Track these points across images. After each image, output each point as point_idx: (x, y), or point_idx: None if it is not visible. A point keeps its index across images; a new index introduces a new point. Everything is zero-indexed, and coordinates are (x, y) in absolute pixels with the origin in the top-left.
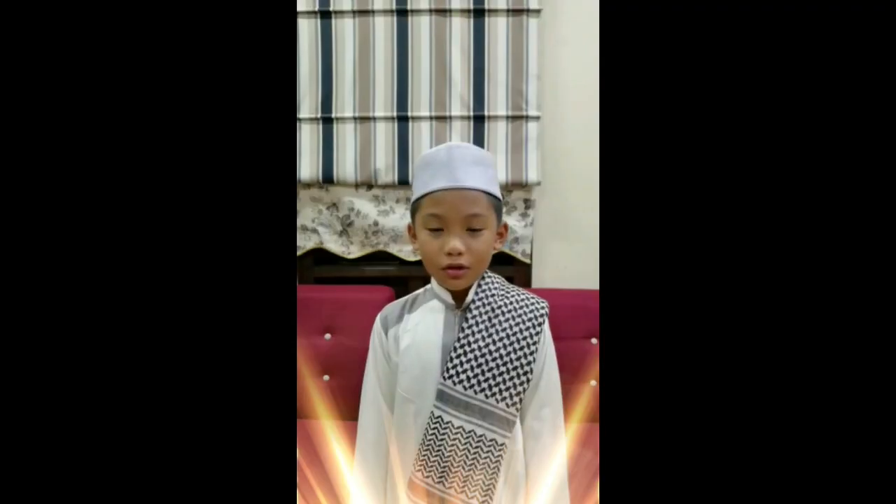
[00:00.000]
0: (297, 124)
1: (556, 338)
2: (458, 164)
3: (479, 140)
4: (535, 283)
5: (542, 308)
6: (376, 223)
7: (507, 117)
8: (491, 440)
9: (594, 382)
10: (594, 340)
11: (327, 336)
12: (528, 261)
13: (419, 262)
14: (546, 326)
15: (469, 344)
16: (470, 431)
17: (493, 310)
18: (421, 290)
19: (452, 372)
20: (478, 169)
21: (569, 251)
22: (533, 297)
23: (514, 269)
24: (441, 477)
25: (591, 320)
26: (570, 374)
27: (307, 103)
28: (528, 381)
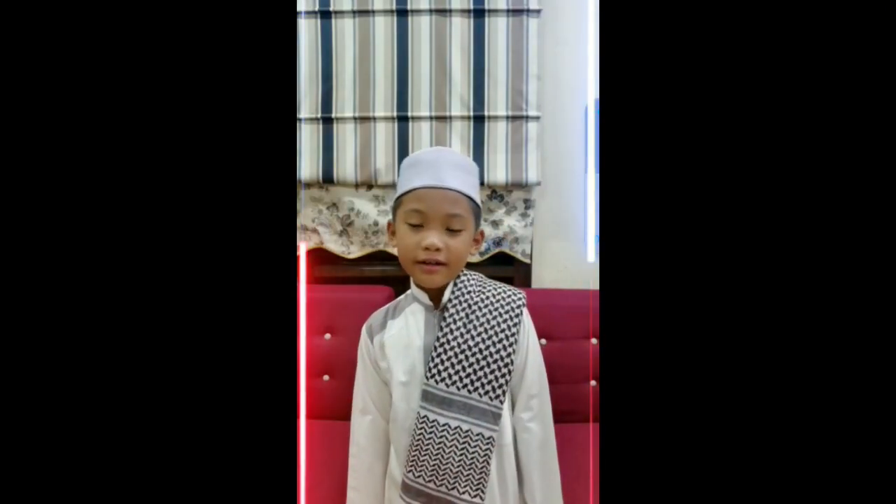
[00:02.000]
0: (297, 124)
1: (556, 338)
2: (443, 165)
3: (479, 140)
4: (535, 283)
5: (519, 299)
6: (376, 223)
7: (507, 117)
8: (478, 434)
9: (594, 382)
10: (594, 340)
11: (327, 336)
12: (528, 261)
13: None
14: (526, 318)
15: (448, 342)
16: (456, 427)
17: (469, 306)
18: (402, 296)
19: (434, 371)
20: (461, 173)
21: (569, 251)
22: (510, 290)
23: (514, 269)
24: (432, 475)
25: (591, 320)
26: (570, 374)
27: (307, 103)
28: (510, 372)
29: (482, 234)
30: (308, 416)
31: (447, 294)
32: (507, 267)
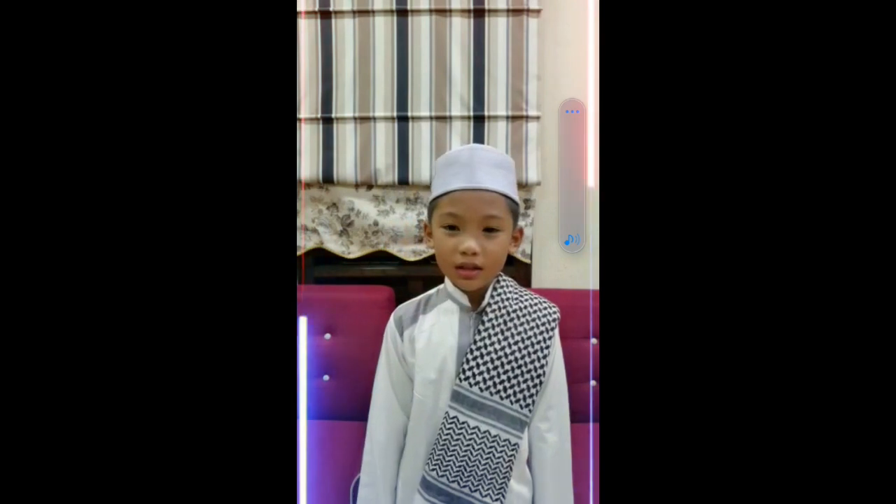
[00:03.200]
0: (297, 124)
1: None
2: (479, 165)
3: (478, 140)
4: (535, 283)
5: (555, 313)
6: (376, 223)
7: (507, 117)
8: (505, 440)
9: (594, 382)
10: (594, 340)
11: (327, 336)
12: (528, 261)
13: (419, 262)
14: (556, 331)
15: (486, 346)
16: (485, 432)
17: (508, 313)
18: (434, 291)
19: (469, 374)
20: (498, 172)
21: (569, 251)
22: (545, 302)
23: (514, 269)
24: (456, 476)
25: (591, 320)
26: (569, 374)
27: (307, 103)
28: (541, 383)
29: (521, 231)
30: (308, 416)
31: (486, 298)
32: (507, 267)
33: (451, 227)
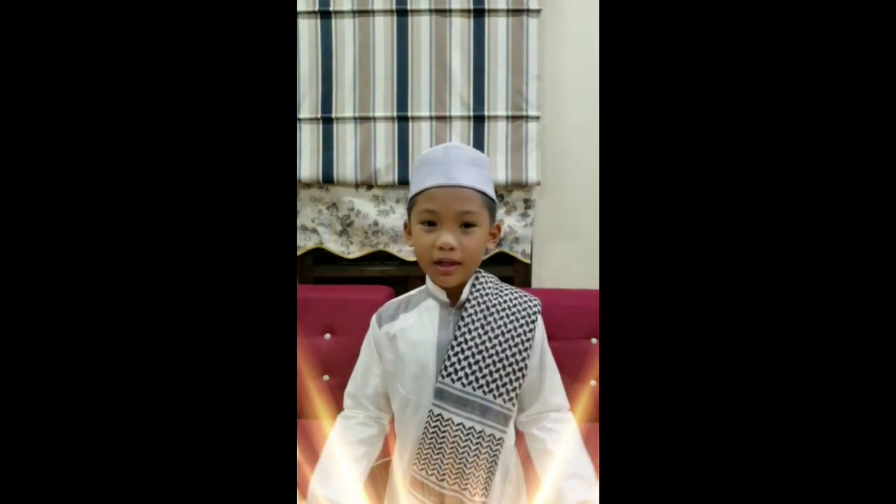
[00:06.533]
0: (297, 124)
1: (556, 338)
2: (453, 163)
3: (479, 140)
4: (535, 283)
5: (535, 306)
6: (376, 223)
7: (507, 117)
8: (490, 435)
9: (594, 382)
10: (594, 340)
11: (327, 336)
12: (528, 261)
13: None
14: (540, 324)
15: (466, 342)
16: (470, 428)
17: (487, 308)
18: (416, 290)
19: (451, 370)
20: (473, 169)
21: (569, 251)
22: (526, 296)
23: (514, 269)
24: (444, 475)
25: (591, 320)
26: (570, 374)
27: (307, 103)
28: (524, 376)
29: (499, 227)
30: (307, 417)
31: (465, 293)
32: (507, 267)
33: (429, 224)
